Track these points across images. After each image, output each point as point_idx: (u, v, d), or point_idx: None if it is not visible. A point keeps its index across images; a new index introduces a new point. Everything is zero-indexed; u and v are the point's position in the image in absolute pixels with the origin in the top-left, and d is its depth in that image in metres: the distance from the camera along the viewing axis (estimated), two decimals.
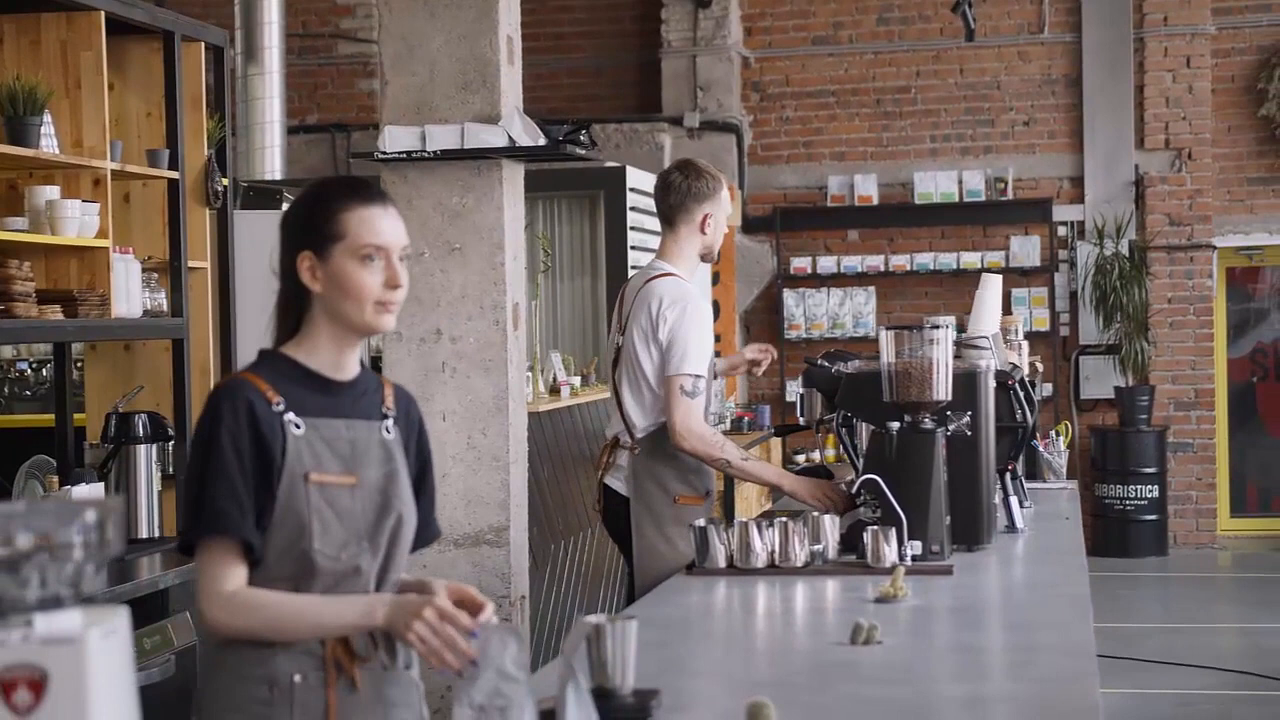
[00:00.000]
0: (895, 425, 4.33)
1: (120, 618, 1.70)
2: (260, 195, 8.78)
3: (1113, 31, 12.36)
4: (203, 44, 5.98)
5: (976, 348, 5.04)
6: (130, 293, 5.39)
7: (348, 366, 2.79)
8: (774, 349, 5.61)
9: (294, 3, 12.10)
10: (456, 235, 5.42)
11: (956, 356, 4.60)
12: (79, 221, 5.15)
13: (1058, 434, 6.63)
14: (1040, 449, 6.40)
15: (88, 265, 5.28)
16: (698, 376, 4.79)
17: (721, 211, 5.01)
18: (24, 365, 8.16)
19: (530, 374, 7.16)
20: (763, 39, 12.89)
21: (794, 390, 9.89)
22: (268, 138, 10.11)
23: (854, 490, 4.35)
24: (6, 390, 8.12)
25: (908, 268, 12.49)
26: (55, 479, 5.26)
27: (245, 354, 5.58)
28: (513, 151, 5.34)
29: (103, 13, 5.29)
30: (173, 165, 5.62)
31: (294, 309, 2.76)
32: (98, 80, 5.29)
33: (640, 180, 9.39)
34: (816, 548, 4.22)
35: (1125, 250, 12.13)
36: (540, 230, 9.21)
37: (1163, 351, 12.29)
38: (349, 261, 2.71)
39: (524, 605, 5.52)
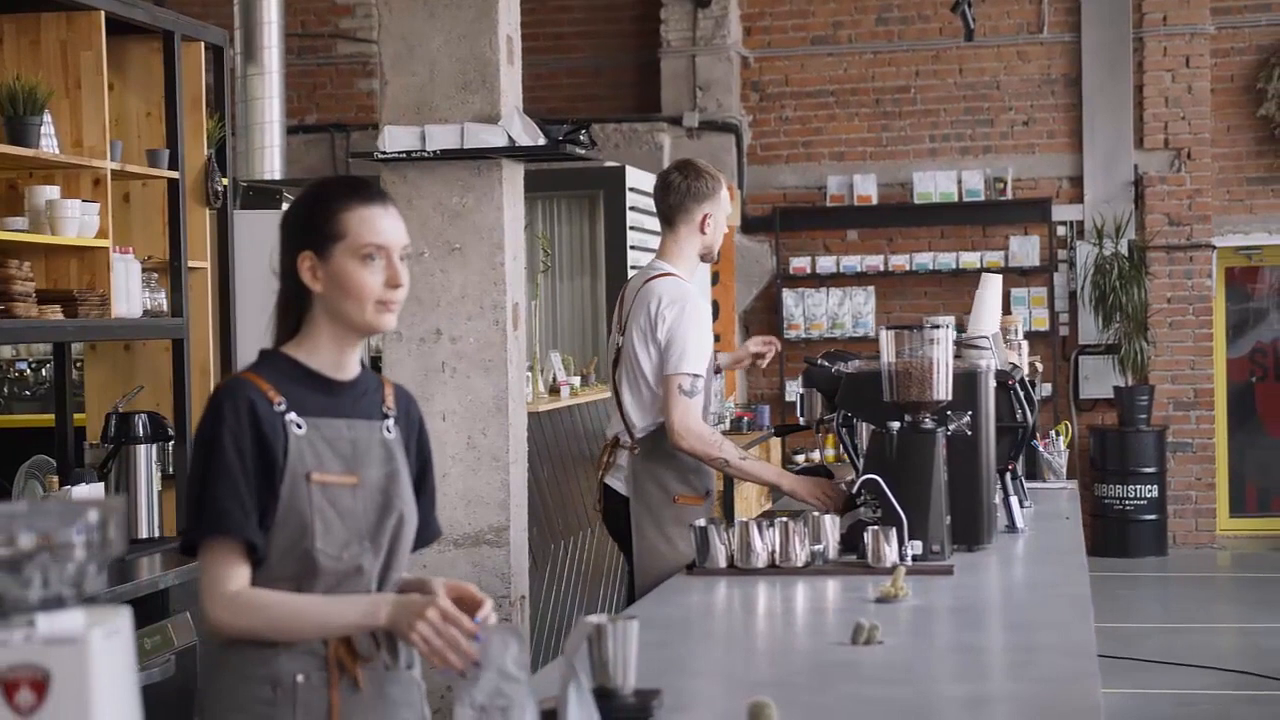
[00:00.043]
0: (895, 425, 4.33)
1: (122, 618, 1.70)
2: (260, 195, 8.77)
3: (1112, 31, 12.37)
4: (202, 44, 5.97)
5: (977, 348, 5.04)
6: (130, 293, 5.39)
7: (348, 366, 2.79)
8: (778, 341, 5.63)
9: (293, 2, 12.09)
10: (456, 235, 5.42)
11: (957, 356, 4.60)
12: (79, 221, 5.15)
13: (1058, 434, 6.63)
14: (1040, 449, 6.41)
15: (88, 265, 5.28)
16: (696, 376, 4.79)
17: (721, 211, 5.02)
18: (23, 365, 8.16)
19: (530, 374, 7.16)
20: (762, 39, 12.89)
21: (794, 390, 9.91)
22: (267, 138, 10.11)
23: (854, 490, 4.35)
24: (6, 390, 8.12)
25: (907, 268, 12.49)
26: (55, 479, 5.26)
27: (245, 354, 5.58)
28: (512, 151, 5.34)
29: (103, 13, 5.29)
30: (173, 165, 5.62)
31: (294, 309, 2.76)
32: (98, 80, 5.28)
33: (640, 180, 9.39)
34: (817, 548, 4.22)
35: (1124, 250, 12.13)
36: (540, 230, 9.21)
37: (1162, 351, 12.29)
38: (350, 261, 2.71)
39: (524, 605, 5.52)
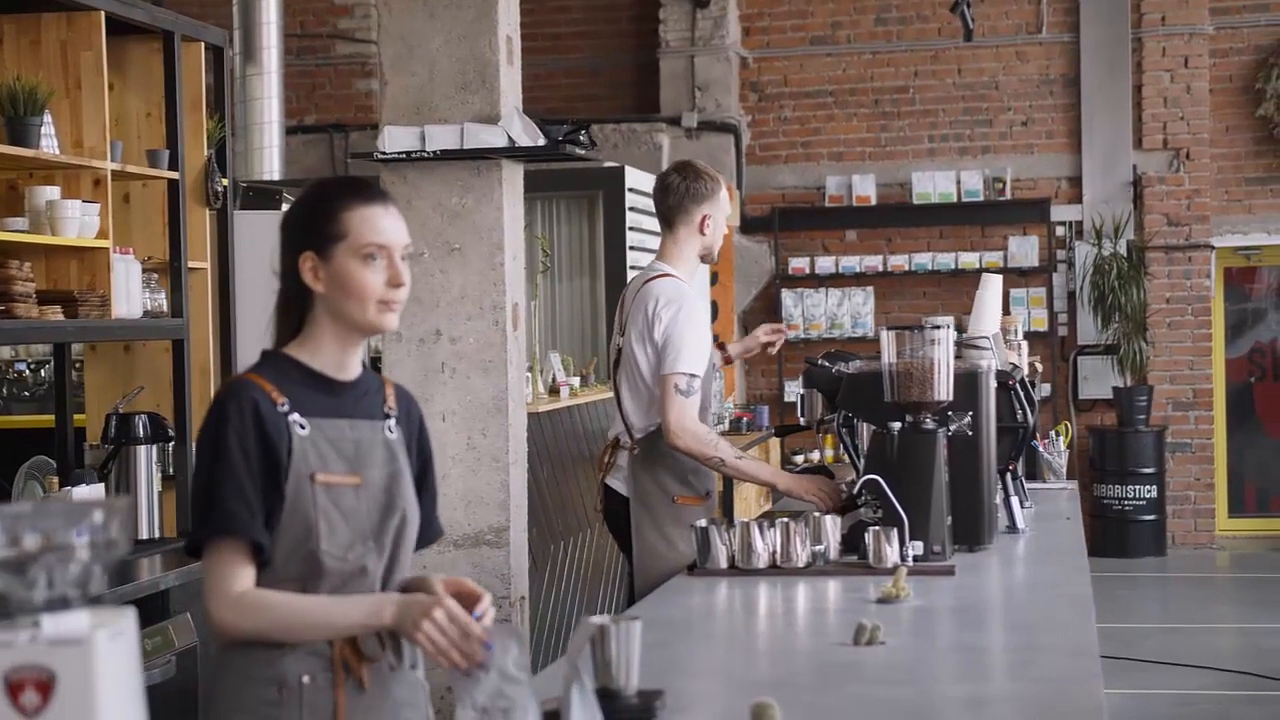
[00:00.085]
0: (896, 425, 4.33)
1: (127, 619, 1.70)
2: (260, 195, 8.76)
3: (1111, 31, 12.37)
4: (202, 44, 5.97)
5: (977, 348, 5.04)
6: (130, 293, 5.38)
7: (350, 366, 2.79)
8: (785, 328, 5.63)
9: (292, 3, 12.09)
10: (456, 235, 5.42)
11: (957, 357, 4.60)
12: (79, 222, 5.14)
13: (1058, 434, 6.63)
14: (1040, 449, 6.41)
15: (88, 266, 5.27)
16: (692, 375, 4.79)
17: (720, 212, 5.02)
18: (22, 366, 8.15)
19: (530, 374, 7.16)
20: (761, 39, 12.89)
21: (793, 390, 9.91)
22: (266, 138, 10.10)
23: (855, 490, 4.35)
24: (5, 391, 8.11)
25: (906, 268, 12.49)
26: (55, 480, 5.25)
27: (245, 354, 5.58)
28: (512, 151, 5.34)
29: (103, 13, 5.28)
30: (173, 165, 5.61)
31: (296, 309, 2.76)
32: (98, 80, 5.28)
33: (639, 180, 9.39)
34: (818, 548, 4.22)
35: (1123, 250, 12.13)
36: (539, 230, 9.21)
37: (1161, 352, 12.29)
38: (351, 261, 2.70)
39: (524, 606, 5.52)
